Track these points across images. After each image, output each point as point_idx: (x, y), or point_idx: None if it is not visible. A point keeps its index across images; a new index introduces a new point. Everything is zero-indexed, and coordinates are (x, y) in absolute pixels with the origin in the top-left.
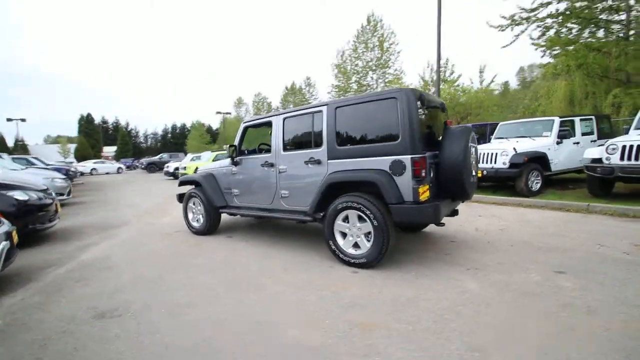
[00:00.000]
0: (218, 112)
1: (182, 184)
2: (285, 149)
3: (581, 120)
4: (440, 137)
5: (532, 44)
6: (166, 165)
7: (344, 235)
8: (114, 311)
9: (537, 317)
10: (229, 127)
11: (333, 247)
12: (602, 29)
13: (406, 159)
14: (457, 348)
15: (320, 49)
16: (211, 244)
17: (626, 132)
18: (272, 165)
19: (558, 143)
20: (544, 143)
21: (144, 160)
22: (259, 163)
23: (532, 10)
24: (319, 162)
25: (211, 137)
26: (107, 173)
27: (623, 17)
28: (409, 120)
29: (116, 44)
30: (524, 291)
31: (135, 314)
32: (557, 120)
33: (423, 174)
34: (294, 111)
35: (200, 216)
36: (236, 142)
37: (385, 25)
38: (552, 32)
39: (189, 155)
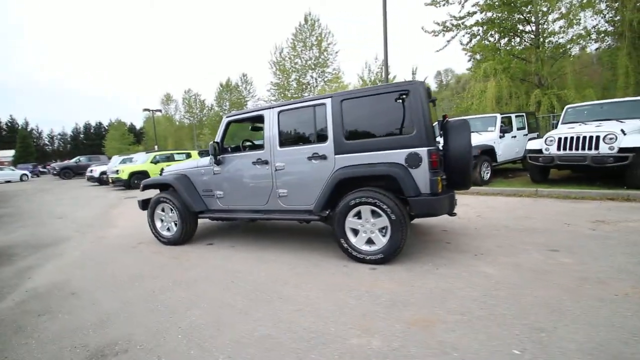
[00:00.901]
0: (146, 110)
1: (146, 188)
2: (282, 145)
3: (516, 116)
4: (440, 130)
5: (463, 49)
6: (89, 169)
7: (354, 232)
8: (114, 346)
9: (567, 291)
10: (158, 125)
11: (345, 245)
12: (518, 38)
13: (422, 151)
14: (521, 331)
15: (256, 45)
16: (194, 253)
17: (555, 126)
18: (266, 162)
19: (501, 137)
20: (491, 137)
21: (56, 165)
22: (250, 161)
23: (460, 18)
24: (324, 157)
25: (135, 137)
26: (7, 181)
27: (534, 27)
28: (423, 113)
29: (11, 34)
30: (538, 270)
31: (148, 347)
32: (498, 116)
33: (439, 166)
34: (291, 104)
35: (173, 224)
36: (218, 139)
37: (323, 25)
38: (477, 38)
39: (117, 158)
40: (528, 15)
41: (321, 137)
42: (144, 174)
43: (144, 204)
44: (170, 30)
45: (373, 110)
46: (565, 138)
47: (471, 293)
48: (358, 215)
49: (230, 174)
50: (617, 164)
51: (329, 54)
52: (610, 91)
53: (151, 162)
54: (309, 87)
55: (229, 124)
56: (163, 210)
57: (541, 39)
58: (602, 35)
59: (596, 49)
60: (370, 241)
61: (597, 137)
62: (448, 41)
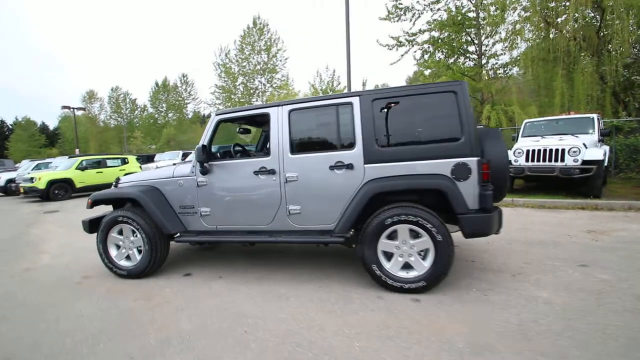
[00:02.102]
0: (65, 107)
1: (96, 203)
2: (295, 151)
3: None
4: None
5: (415, 64)
6: None
7: (387, 256)
8: None
9: (632, 313)
10: (79, 126)
11: (378, 272)
12: (464, 57)
13: (472, 161)
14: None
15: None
16: (170, 290)
17: (514, 139)
18: (272, 172)
19: None
20: None
21: None
22: (250, 170)
23: (413, 34)
24: (350, 167)
25: (47, 139)
26: None
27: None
28: (471, 117)
29: None
30: (588, 290)
31: None
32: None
33: (489, 178)
34: (306, 102)
35: (135, 250)
36: (204, 141)
37: (272, 30)
38: (428, 55)
39: (28, 162)
40: (473, 36)
41: (347, 143)
42: (68, 183)
43: (92, 225)
44: (96, 21)
45: (411, 113)
46: (534, 150)
47: (551, 327)
48: (391, 235)
49: (222, 186)
50: (582, 175)
51: (279, 60)
52: (549, 108)
53: (77, 169)
54: (257, 92)
55: (219, 123)
56: (121, 233)
57: (484, 60)
58: (536, 60)
59: (532, 73)
60: (406, 266)
61: (563, 150)
62: (402, 55)
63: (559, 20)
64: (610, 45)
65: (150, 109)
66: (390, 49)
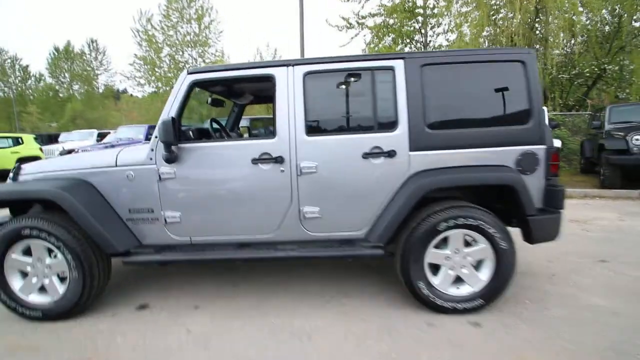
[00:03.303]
0: None
1: None
2: (312, 132)
3: None
4: None
5: (365, 48)
6: None
7: (433, 268)
8: None
9: None
10: None
11: (426, 291)
12: (411, 46)
13: (539, 150)
14: None
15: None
16: (123, 337)
17: (592, 126)
18: (279, 160)
19: None
20: None
21: None
22: (245, 157)
23: (363, 17)
24: (391, 154)
25: None
26: None
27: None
28: (539, 96)
29: None
30: (635, 291)
31: None
32: None
33: (557, 171)
34: (330, 62)
35: (55, 278)
36: (172, 113)
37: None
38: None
39: None
40: (420, 25)
41: (386, 123)
42: None
43: None
44: None
45: (470, 86)
46: None
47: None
48: (442, 244)
49: (200, 180)
50: None
51: (212, 33)
52: None
53: None
54: (186, 65)
55: (193, 86)
56: (28, 254)
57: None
58: None
59: None
60: (457, 280)
61: None
62: (352, 38)
63: (497, 17)
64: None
65: (50, 79)
66: (340, 30)
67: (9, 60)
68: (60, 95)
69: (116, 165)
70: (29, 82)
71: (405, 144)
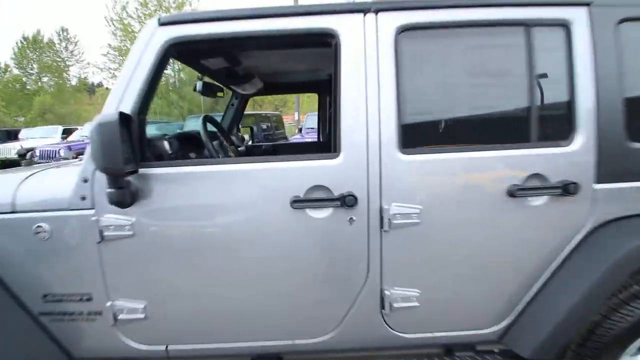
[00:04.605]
0: None
1: None
2: (408, 145)
3: None
4: None
5: None
6: None
7: None
8: None
9: None
10: None
11: None
12: None
13: None
14: None
15: None
16: None
17: None
18: (349, 202)
19: None
20: None
21: None
22: (276, 193)
23: None
24: (564, 189)
25: None
26: None
27: None
28: None
29: None
30: None
31: None
32: None
33: None
34: (448, 7)
35: None
36: (125, 105)
37: None
38: None
39: None
40: None
41: (551, 128)
42: None
43: None
44: None
45: None
46: None
47: None
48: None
49: (184, 238)
50: None
51: None
52: None
53: None
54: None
55: (169, 50)
56: None
57: None
58: None
59: None
60: None
61: None
62: None
63: None
64: None
65: (16, 70)
66: None
67: None
68: (28, 87)
69: (13, 212)
70: None
71: (588, 168)
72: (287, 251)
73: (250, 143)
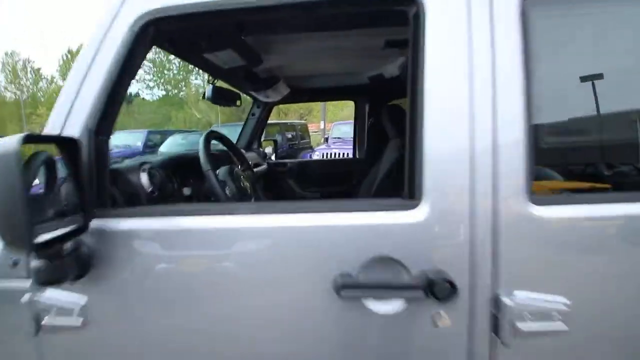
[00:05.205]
0: None
1: None
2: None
3: None
4: None
5: None
6: None
7: None
8: None
9: None
10: None
11: None
12: None
13: None
14: None
15: None
16: None
17: None
18: (444, 293)
19: None
20: None
21: None
22: (312, 269)
23: None
24: None
25: None
26: None
27: None
28: None
29: None
30: None
31: None
32: None
33: None
34: None
35: None
36: (82, 116)
37: None
38: None
39: None
40: None
41: None
42: None
43: None
44: None
45: None
46: None
47: None
48: None
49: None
50: None
51: None
52: None
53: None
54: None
55: (148, 27)
56: None
57: None
58: None
59: None
60: None
61: None
62: None
63: None
64: None
65: (60, 82)
66: None
67: (21, 62)
68: None
69: None
70: (40, 84)
71: None
72: None
73: (273, 158)
